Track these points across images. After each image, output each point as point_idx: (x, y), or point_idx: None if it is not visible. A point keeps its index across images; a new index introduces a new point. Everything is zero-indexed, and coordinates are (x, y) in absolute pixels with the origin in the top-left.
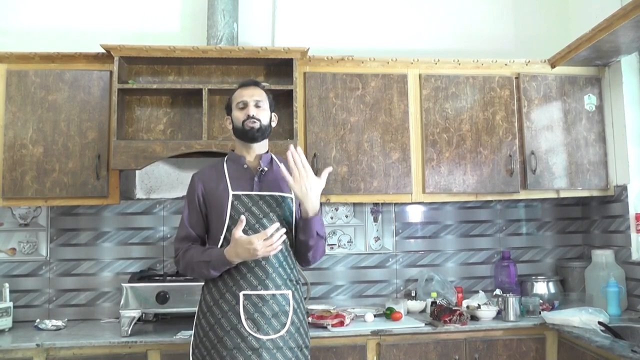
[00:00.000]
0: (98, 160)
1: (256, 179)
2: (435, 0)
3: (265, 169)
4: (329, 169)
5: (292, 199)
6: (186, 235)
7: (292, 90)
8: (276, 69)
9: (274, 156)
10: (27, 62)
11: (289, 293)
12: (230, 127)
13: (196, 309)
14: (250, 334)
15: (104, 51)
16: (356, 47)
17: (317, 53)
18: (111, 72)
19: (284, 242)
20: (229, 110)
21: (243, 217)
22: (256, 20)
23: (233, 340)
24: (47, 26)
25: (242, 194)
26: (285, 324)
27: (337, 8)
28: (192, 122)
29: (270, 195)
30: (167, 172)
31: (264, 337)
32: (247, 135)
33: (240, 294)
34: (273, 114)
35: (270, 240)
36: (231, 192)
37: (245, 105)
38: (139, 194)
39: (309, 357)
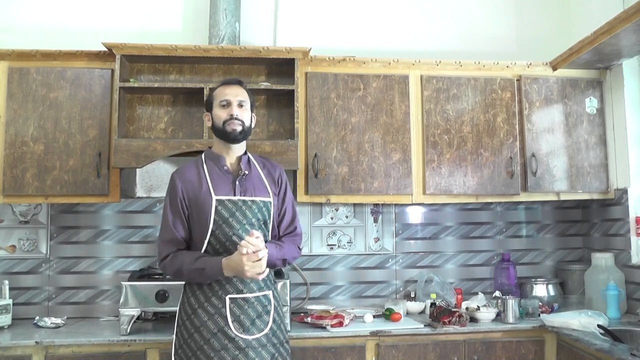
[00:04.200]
0: (99, 158)
1: (237, 182)
2: (437, 2)
3: (247, 172)
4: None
5: (270, 202)
6: (172, 238)
7: (293, 90)
8: (278, 68)
9: (251, 156)
10: (28, 60)
11: (270, 293)
12: (209, 124)
13: (177, 310)
14: (237, 335)
15: (105, 49)
16: (358, 47)
17: (319, 53)
18: (113, 71)
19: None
20: (209, 106)
21: (265, 252)
22: (258, 19)
23: (220, 342)
24: (49, 24)
25: (226, 199)
26: (268, 322)
27: (339, 8)
28: (193, 121)
29: (252, 200)
30: (168, 170)
31: (250, 337)
32: (229, 136)
33: (227, 298)
34: (252, 114)
35: (259, 264)
36: (214, 197)
37: (228, 104)
38: (140, 192)
39: (289, 350)
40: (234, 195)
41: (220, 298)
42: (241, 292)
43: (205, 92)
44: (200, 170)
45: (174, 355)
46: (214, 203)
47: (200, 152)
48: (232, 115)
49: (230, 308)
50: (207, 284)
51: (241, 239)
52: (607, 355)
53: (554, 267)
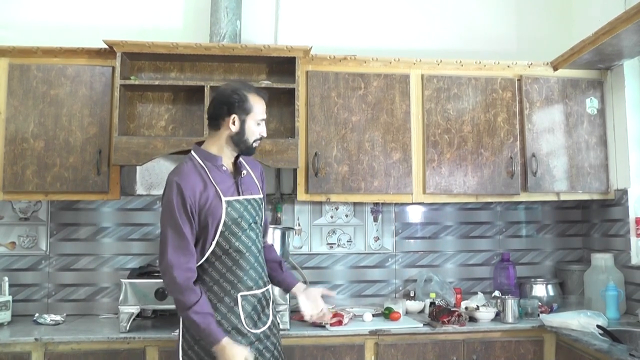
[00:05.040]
0: (99, 155)
1: (239, 182)
2: (438, 1)
3: (245, 172)
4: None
5: (262, 199)
6: (185, 249)
7: (294, 89)
8: (278, 67)
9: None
10: (29, 56)
11: (270, 287)
12: (235, 128)
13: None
14: (248, 331)
15: (106, 47)
16: (359, 46)
17: (320, 52)
18: (113, 68)
19: (258, 239)
20: (241, 111)
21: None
22: (259, 18)
23: (234, 339)
24: (50, 20)
25: (233, 200)
26: (269, 315)
27: (340, 7)
28: (194, 119)
29: (254, 199)
30: (168, 168)
31: (258, 331)
32: (250, 153)
33: (238, 296)
34: None
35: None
36: (224, 198)
37: (262, 122)
38: (140, 190)
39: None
40: (239, 195)
41: (232, 297)
42: (251, 289)
43: (206, 90)
44: (202, 173)
45: (183, 356)
46: (224, 205)
47: None
48: (263, 137)
49: (242, 305)
50: (217, 284)
51: (249, 238)
52: (606, 356)
53: (554, 267)
